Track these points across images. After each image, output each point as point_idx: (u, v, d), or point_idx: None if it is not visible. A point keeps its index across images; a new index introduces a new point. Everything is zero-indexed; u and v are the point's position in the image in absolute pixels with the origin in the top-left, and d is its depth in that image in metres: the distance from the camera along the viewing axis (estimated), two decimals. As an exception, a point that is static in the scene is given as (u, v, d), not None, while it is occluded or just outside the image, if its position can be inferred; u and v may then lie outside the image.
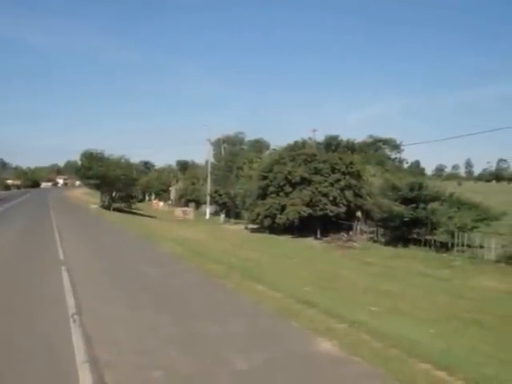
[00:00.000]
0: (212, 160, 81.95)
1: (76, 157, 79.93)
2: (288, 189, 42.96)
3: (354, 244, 36.17)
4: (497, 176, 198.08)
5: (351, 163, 43.16)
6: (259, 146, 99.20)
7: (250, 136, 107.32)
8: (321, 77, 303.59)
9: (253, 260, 22.72)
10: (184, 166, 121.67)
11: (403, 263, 26.51)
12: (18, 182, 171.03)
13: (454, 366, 7.69)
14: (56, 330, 9.44)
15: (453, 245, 32.54)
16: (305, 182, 42.46)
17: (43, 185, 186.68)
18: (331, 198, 40.94)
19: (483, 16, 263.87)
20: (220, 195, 66.74)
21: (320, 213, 41.01)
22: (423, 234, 35.55)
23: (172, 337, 9.20)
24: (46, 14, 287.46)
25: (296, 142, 50.02)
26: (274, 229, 43.35)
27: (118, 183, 69.97)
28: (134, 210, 73.57)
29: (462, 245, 32.07)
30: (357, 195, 42.38)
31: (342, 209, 41.37)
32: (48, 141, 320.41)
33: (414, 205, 36.05)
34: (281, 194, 43.32)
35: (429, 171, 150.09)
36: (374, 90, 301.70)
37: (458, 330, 11.10)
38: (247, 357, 8.07)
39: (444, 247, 33.22)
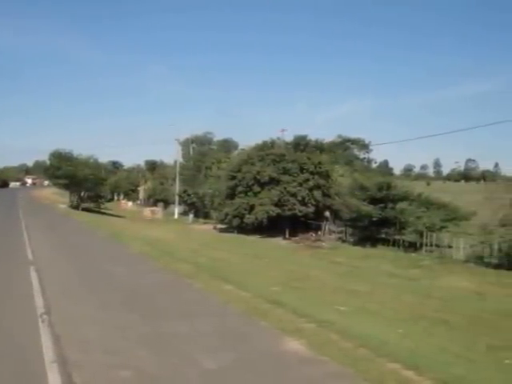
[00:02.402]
0: (181, 160, 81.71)
1: (45, 157, 79.38)
2: (257, 189, 43.04)
3: (323, 244, 36.32)
4: (465, 176, 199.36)
5: (320, 163, 43.36)
6: (228, 145, 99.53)
7: (218, 136, 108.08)
8: (289, 77, 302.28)
9: (221, 260, 22.63)
10: (152, 166, 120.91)
11: (372, 263, 26.67)
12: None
13: (423, 366, 7.66)
14: (25, 329, 9.35)
15: (421, 244, 32.91)
16: (273, 181, 42.56)
17: (12, 184, 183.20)
18: (300, 198, 41.13)
19: (450, 16, 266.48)
20: (189, 195, 66.43)
21: (288, 213, 41.16)
22: (392, 234, 35.88)
23: (140, 337, 9.10)
24: (11, 14, 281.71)
25: (265, 142, 49.99)
26: (243, 229, 43.35)
27: (86, 183, 69.49)
28: (102, 210, 72.92)
29: (431, 245, 32.46)
30: (325, 195, 42.61)
31: (311, 209, 41.59)
32: (16, 140, 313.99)
33: (382, 205, 36.38)
34: (249, 193, 43.36)
35: (397, 171, 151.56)
36: (342, 90, 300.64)
37: (427, 329, 11.11)
38: (215, 356, 7.99)
39: (412, 247, 33.58)
